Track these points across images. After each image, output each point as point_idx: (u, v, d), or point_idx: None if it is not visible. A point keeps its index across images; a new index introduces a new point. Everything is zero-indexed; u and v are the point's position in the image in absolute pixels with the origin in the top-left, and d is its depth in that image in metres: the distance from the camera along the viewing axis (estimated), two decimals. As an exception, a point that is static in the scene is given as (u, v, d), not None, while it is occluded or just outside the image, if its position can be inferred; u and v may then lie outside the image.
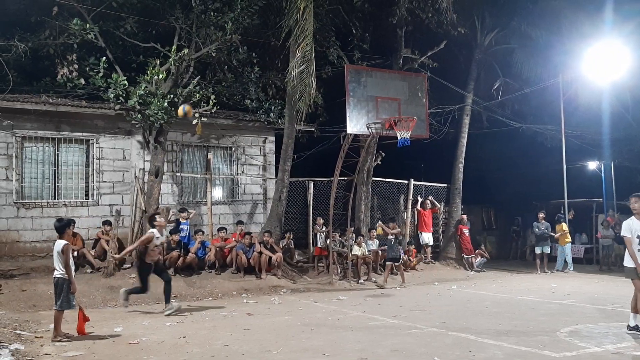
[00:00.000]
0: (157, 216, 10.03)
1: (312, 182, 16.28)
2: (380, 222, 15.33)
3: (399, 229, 14.33)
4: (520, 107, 20.78)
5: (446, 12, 15.88)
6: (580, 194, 19.21)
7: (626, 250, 7.62)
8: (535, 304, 10.64)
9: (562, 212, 17.74)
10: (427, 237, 17.58)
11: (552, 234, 16.87)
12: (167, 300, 9.69)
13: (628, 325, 7.61)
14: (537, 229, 16.98)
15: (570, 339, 7.28)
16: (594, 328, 8.06)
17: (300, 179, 16.38)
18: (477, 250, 17.80)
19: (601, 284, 13.70)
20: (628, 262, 7.57)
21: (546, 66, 18.23)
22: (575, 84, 18.20)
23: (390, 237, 13.76)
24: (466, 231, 17.96)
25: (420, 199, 17.97)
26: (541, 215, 17.05)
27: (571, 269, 16.70)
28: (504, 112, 20.38)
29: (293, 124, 14.70)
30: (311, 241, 15.73)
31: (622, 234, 7.70)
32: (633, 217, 7.63)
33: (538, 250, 16.99)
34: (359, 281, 14.11)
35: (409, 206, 17.94)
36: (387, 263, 14.02)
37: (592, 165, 20.70)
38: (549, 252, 16.93)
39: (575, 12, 17.49)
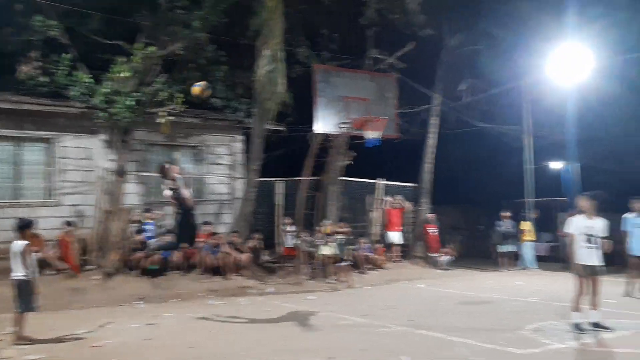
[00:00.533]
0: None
1: (281, 182, 16.17)
2: (324, 221, 15.31)
3: (348, 229, 14.36)
4: (488, 107, 20.98)
5: (414, 13, 15.96)
6: (547, 193, 19.55)
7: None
8: (501, 301, 10.77)
9: (525, 211, 18.06)
10: (394, 236, 17.61)
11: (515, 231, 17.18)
12: None
13: (589, 322, 7.72)
14: (500, 228, 17.23)
15: (535, 336, 7.39)
16: (557, 325, 8.20)
17: (268, 179, 16.25)
18: (444, 249, 17.91)
19: (565, 282, 13.89)
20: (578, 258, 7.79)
21: (512, 67, 18.43)
22: (540, 85, 18.48)
23: (339, 236, 13.81)
24: (433, 230, 18.05)
25: (388, 199, 18.02)
26: (505, 214, 17.31)
27: (533, 266, 16.96)
28: (472, 112, 20.55)
29: (262, 123, 14.59)
30: (279, 241, 15.64)
31: (564, 230, 7.95)
32: (579, 215, 7.92)
33: (502, 249, 17.24)
34: (328, 281, 14.09)
35: (377, 205, 17.97)
36: (342, 264, 14.09)
37: (557, 165, 21.08)
38: (513, 250, 17.19)
39: (542, 15, 17.71)
